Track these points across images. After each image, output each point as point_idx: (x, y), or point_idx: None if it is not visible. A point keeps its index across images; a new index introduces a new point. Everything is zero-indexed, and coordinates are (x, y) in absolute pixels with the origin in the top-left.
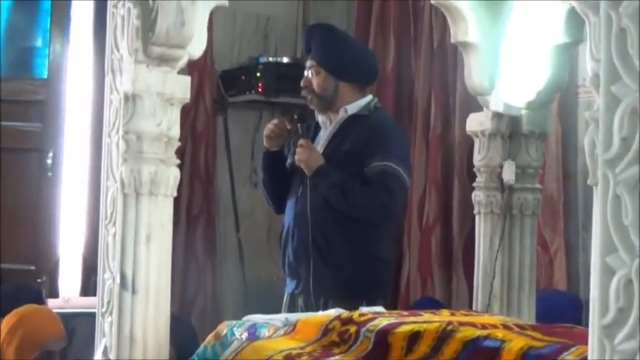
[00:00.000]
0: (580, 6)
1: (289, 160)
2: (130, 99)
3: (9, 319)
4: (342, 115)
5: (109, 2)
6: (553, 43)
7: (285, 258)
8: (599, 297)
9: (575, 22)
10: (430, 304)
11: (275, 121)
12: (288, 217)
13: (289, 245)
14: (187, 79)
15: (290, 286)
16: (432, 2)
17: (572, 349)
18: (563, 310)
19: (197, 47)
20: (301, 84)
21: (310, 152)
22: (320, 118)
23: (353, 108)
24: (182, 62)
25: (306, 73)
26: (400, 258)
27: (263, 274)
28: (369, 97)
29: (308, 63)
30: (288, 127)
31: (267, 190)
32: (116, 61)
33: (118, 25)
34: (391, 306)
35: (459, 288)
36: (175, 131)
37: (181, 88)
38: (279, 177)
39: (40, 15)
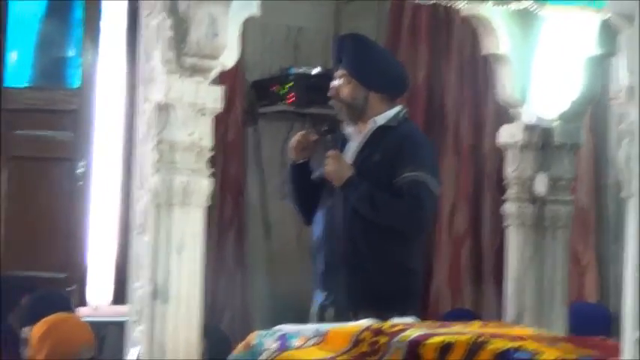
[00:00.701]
0: (615, 18)
1: (318, 172)
2: (163, 109)
3: (39, 327)
4: (371, 125)
5: (141, 12)
6: (586, 55)
7: (316, 269)
8: (631, 311)
9: (608, 33)
10: (463, 315)
11: (300, 132)
12: (318, 228)
13: (319, 257)
14: (219, 89)
15: (319, 297)
16: (464, 14)
17: None
18: (594, 323)
19: (229, 57)
20: (329, 93)
21: (339, 163)
22: (348, 129)
23: (382, 119)
24: (214, 72)
25: (334, 82)
26: (430, 270)
27: (293, 284)
28: (398, 108)
29: (338, 72)
30: (314, 138)
31: (295, 202)
32: (149, 71)
33: (151, 36)
34: (421, 318)
35: (488, 300)
36: (207, 141)
37: (213, 98)
38: (306, 189)
39: (72, 25)
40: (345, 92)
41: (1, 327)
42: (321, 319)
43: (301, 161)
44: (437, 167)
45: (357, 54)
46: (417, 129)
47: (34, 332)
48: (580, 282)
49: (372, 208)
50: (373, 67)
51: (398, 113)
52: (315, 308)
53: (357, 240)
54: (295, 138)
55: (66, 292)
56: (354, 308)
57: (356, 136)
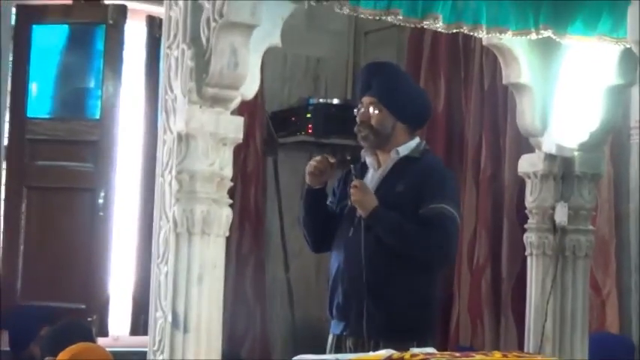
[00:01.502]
0: (636, 47)
1: (332, 199)
2: (184, 139)
3: (62, 356)
4: (393, 156)
5: (163, 43)
6: (606, 85)
7: (334, 299)
8: None
9: (629, 64)
10: None
11: (317, 157)
12: (337, 258)
13: (339, 287)
14: (240, 119)
15: (337, 327)
16: (484, 44)
17: None
18: (615, 353)
19: (250, 88)
20: (359, 119)
21: (365, 193)
22: (368, 159)
23: (404, 150)
24: (235, 103)
25: (361, 109)
26: (450, 299)
27: (312, 314)
28: (418, 140)
29: (367, 99)
30: (332, 160)
31: (307, 227)
32: (170, 101)
33: (172, 66)
34: (441, 347)
35: (507, 330)
36: (228, 171)
37: (234, 128)
38: (320, 214)
39: (93, 57)
40: (375, 120)
41: (23, 357)
42: (339, 350)
43: (317, 187)
44: (458, 199)
45: (390, 82)
46: (440, 161)
47: None
48: (601, 312)
49: (400, 238)
50: (404, 96)
51: (419, 144)
52: (331, 339)
53: (379, 270)
54: (312, 163)
55: (87, 322)
56: (374, 338)
57: (375, 165)
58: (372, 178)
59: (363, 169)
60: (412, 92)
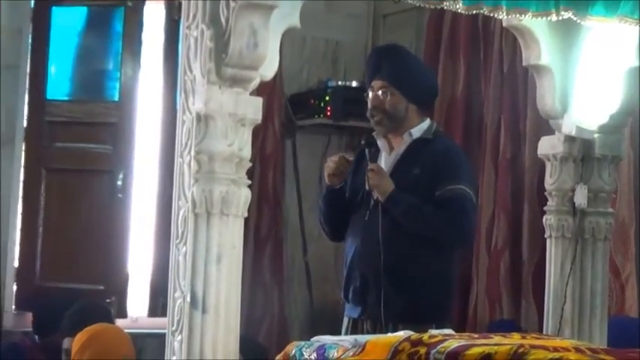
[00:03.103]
0: None
1: (348, 184)
2: (203, 119)
3: (79, 337)
4: (407, 138)
5: (182, 24)
6: (626, 67)
7: (351, 283)
8: None
9: None
10: (504, 326)
11: (334, 158)
12: (353, 242)
13: (356, 271)
14: (259, 100)
15: (353, 311)
16: (504, 25)
17: None
18: (634, 337)
19: (269, 69)
20: (371, 104)
21: (382, 177)
22: (379, 142)
23: (417, 132)
24: (254, 83)
25: (371, 93)
26: (468, 282)
27: (330, 296)
28: (429, 121)
29: (377, 83)
30: (350, 159)
31: (327, 222)
32: (189, 82)
33: (192, 47)
34: (458, 330)
35: (528, 312)
36: (247, 152)
37: (253, 109)
38: (342, 210)
39: (111, 38)
40: (389, 103)
41: (43, 338)
42: (354, 332)
43: (338, 186)
44: (474, 179)
45: (400, 65)
46: (454, 142)
47: (75, 342)
48: (620, 296)
49: (418, 220)
50: (415, 78)
51: (431, 126)
52: (347, 322)
53: (397, 253)
54: (330, 164)
55: (106, 303)
56: (392, 321)
57: (387, 149)
58: (385, 161)
59: (375, 152)
60: (422, 73)
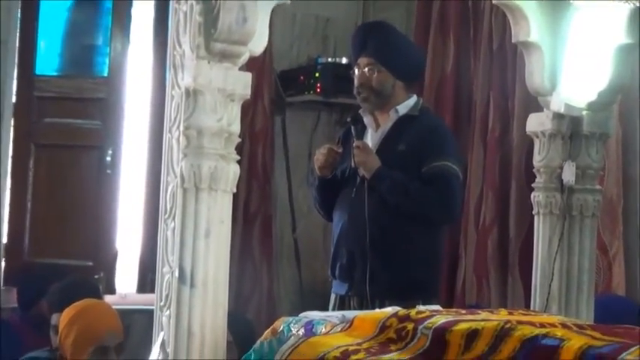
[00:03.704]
0: None
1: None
2: (191, 94)
3: (67, 312)
4: (393, 115)
5: None
6: (615, 44)
7: (337, 260)
8: None
9: (638, 23)
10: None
11: (323, 150)
12: (340, 219)
13: (343, 247)
14: (248, 75)
15: (341, 288)
16: (494, 2)
17: (633, 349)
18: (621, 314)
19: (258, 44)
20: (358, 81)
21: (368, 154)
22: (365, 119)
23: (403, 108)
24: (243, 59)
25: (357, 70)
26: (456, 259)
27: (319, 273)
28: (415, 97)
29: (363, 60)
30: (339, 150)
31: (322, 207)
32: (178, 57)
33: (181, 21)
34: (446, 307)
35: (514, 290)
36: (236, 127)
37: (242, 84)
38: (335, 196)
39: (101, 14)
40: (376, 80)
41: (31, 313)
42: (341, 309)
43: (330, 176)
44: (460, 155)
45: (387, 42)
46: (439, 118)
47: (62, 317)
48: (608, 273)
49: (404, 197)
50: (402, 55)
51: (417, 102)
52: (334, 299)
53: (384, 229)
54: (320, 157)
55: (95, 279)
56: (379, 297)
57: (373, 125)
58: (371, 138)
59: (362, 129)
60: (409, 49)
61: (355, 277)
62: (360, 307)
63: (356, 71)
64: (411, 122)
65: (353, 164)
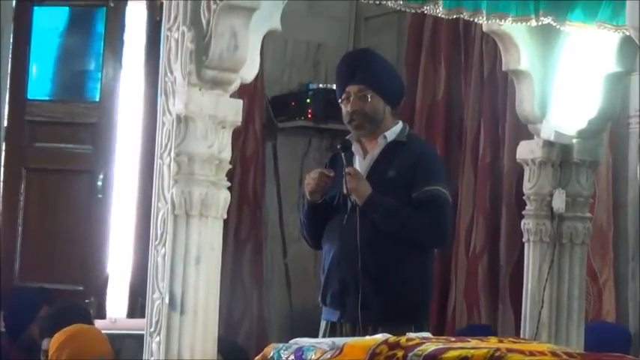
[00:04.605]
0: (635, 35)
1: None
2: (183, 121)
3: (57, 337)
4: (381, 141)
5: (163, 26)
6: (605, 72)
7: (329, 288)
8: None
9: (628, 51)
10: (479, 330)
11: (314, 175)
12: (331, 247)
13: (334, 274)
14: (239, 102)
15: (332, 315)
16: (484, 30)
17: None
18: (611, 342)
19: (249, 71)
20: (351, 108)
21: (359, 180)
22: (353, 146)
23: (391, 134)
24: (234, 86)
25: (347, 99)
26: (447, 285)
27: (309, 299)
28: (401, 124)
29: (354, 88)
30: (330, 174)
31: (310, 234)
32: (169, 83)
33: (172, 48)
34: (437, 333)
35: (505, 316)
36: (227, 154)
37: (233, 111)
38: (323, 221)
39: (93, 39)
40: (369, 107)
41: (22, 337)
42: (332, 336)
43: (320, 201)
44: (448, 180)
45: (376, 68)
46: (427, 143)
47: (52, 342)
48: (598, 301)
49: (398, 223)
50: (391, 80)
51: (404, 128)
52: (325, 326)
53: (376, 255)
54: (310, 182)
55: (85, 304)
56: (372, 324)
57: (361, 152)
58: (360, 165)
59: (350, 156)
60: (395, 75)
61: (347, 303)
62: (353, 334)
63: (345, 100)
64: (401, 148)
65: (345, 191)
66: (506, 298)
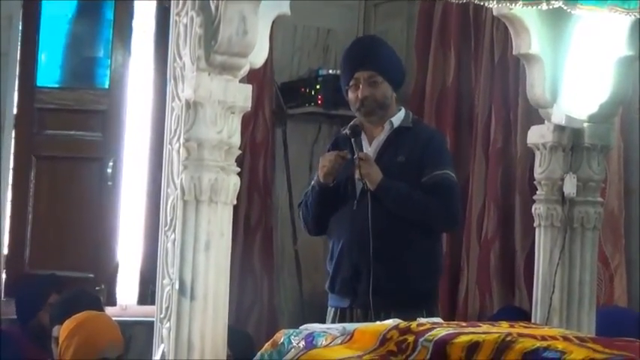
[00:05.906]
0: None
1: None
2: (192, 107)
3: (67, 324)
4: (387, 127)
5: (172, 11)
6: (616, 56)
7: (339, 274)
8: None
9: (639, 34)
10: (514, 314)
11: (330, 157)
12: (341, 232)
13: (346, 261)
14: (248, 87)
15: (342, 301)
16: (495, 14)
17: None
18: (623, 327)
19: (259, 56)
20: (361, 95)
21: (371, 166)
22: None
23: (396, 120)
24: (244, 71)
25: (356, 86)
26: (458, 271)
27: (320, 285)
28: (404, 109)
29: (364, 74)
30: (348, 157)
31: (314, 218)
32: (178, 69)
33: (181, 34)
34: (448, 319)
35: (521, 302)
36: (236, 139)
37: (242, 96)
38: (332, 206)
39: (102, 26)
40: (379, 93)
41: (32, 324)
42: (342, 322)
43: (332, 184)
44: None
45: (385, 55)
46: (434, 129)
47: (63, 329)
48: (609, 286)
49: (410, 207)
50: (398, 66)
51: (407, 114)
52: (333, 312)
53: (388, 240)
54: (326, 163)
55: (95, 291)
56: (384, 309)
57: (367, 138)
58: (365, 150)
59: (359, 142)
60: (400, 61)
61: (359, 289)
62: (365, 320)
63: (354, 86)
64: (407, 133)
65: (358, 176)
66: (522, 285)
